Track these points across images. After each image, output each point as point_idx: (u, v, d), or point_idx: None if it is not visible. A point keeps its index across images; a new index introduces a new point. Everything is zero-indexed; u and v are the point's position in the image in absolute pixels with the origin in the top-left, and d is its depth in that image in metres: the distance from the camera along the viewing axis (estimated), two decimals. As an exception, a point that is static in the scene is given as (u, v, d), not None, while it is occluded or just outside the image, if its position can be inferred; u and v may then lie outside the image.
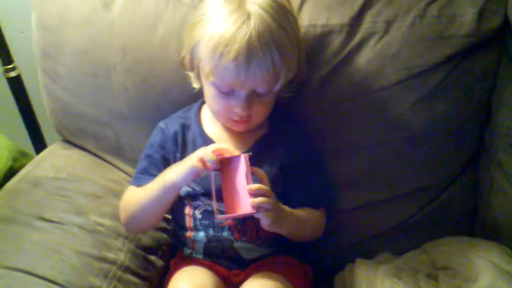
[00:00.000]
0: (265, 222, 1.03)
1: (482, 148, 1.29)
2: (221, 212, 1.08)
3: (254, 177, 1.03)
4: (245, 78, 1.05)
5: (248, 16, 1.04)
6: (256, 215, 1.02)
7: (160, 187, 1.10)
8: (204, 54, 1.08)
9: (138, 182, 1.19)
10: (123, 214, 1.19)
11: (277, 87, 1.10)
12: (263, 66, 1.05)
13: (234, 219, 1.14)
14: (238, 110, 1.10)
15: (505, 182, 1.20)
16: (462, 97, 1.24)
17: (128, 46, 1.30)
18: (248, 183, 1.01)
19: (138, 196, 1.16)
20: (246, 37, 1.02)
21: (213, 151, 1.05)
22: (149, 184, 1.14)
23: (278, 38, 1.05)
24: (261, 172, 1.06)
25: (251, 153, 1.03)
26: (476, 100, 1.25)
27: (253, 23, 1.03)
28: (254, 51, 1.03)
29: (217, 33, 1.05)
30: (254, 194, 1.00)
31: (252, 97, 1.09)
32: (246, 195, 1.00)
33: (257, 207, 1.00)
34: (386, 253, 1.28)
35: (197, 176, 1.07)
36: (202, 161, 1.04)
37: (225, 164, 1.05)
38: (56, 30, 1.34)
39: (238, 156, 1.03)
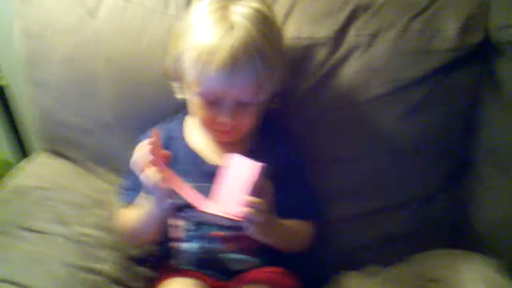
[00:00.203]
0: (251, 229, 1.03)
1: (466, 161, 1.30)
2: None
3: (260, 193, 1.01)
4: (229, 87, 1.06)
5: (232, 26, 1.05)
6: (242, 225, 1.02)
7: (146, 215, 1.13)
8: (188, 64, 1.09)
9: (126, 199, 1.21)
10: (121, 235, 1.22)
11: (261, 97, 1.11)
12: (247, 75, 1.05)
13: (223, 228, 1.15)
14: (222, 119, 1.10)
15: (487, 197, 1.22)
16: (446, 111, 1.26)
17: (113, 54, 1.29)
18: (250, 193, 0.99)
19: (129, 220, 1.17)
20: (230, 46, 1.03)
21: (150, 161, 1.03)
22: (136, 209, 1.16)
23: (261, 47, 1.06)
24: (270, 190, 1.05)
25: (265, 165, 1.01)
26: (459, 113, 1.27)
27: (236, 33, 1.04)
28: (237, 60, 1.03)
29: (201, 43, 1.05)
30: (250, 206, 0.99)
31: (237, 106, 1.10)
32: (242, 201, 0.99)
33: (245, 218, 1.00)
34: (374, 265, 1.28)
35: (169, 196, 1.05)
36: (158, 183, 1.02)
37: (235, 163, 1.02)
38: (42, 38, 1.33)
39: (255, 164, 1.00)
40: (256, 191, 1.00)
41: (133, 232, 1.18)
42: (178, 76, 1.15)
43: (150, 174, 1.01)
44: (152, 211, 1.10)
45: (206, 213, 1.03)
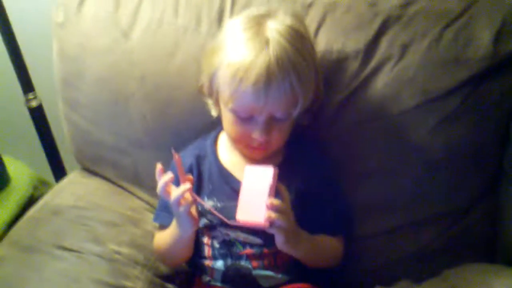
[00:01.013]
0: (279, 240, 1.04)
1: (501, 172, 1.27)
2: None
3: (277, 196, 1.03)
4: (264, 103, 1.06)
5: (267, 42, 1.05)
6: (269, 231, 1.02)
7: (174, 238, 1.15)
8: (223, 80, 1.09)
9: (160, 220, 1.23)
10: (156, 254, 1.26)
11: (295, 112, 1.11)
12: (282, 91, 1.05)
13: (251, 246, 1.14)
14: (256, 136, 1.10)
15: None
16: (480, 121, 1.23)
17: (147, 74, 1.31)
18: (270, 197, 1.01)
19: (161, 241, 1.21)
20: (265, 62, 1.03)
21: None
22: (166, 231, 1.18)
23: (296, 63, 1.06)
24: (285, 191, 1.06)
25: (277, 168, 1.03)
26: (494, 123, 1.24)
27: (271, 49, 1.04)
28: (273, 76, 1.03)
29: (237, 59, 1.06)
30: (273, 208, 1.00)
31: (271, 122, 1.10)
32: (264, 207, 1.00)
33: (271, 222, 1.01)
34: (406, 281, 1.26)
35: (196, 223, 1.10)
36: (186, 211, 1.06)
37: (250, 173, 1.05)
38: (77, 59, 1.36)
39: (267, 168, 1.03)
40: (274, 194, 1.02)
41: (165, 254, 1.21)
42: (212, 93, 1.16)
43: (176, 198, 1.04)
44: (179, 235, 1.13)
45: (234, 228, 1.06)
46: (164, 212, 1.21)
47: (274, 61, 1.03)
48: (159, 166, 1.06)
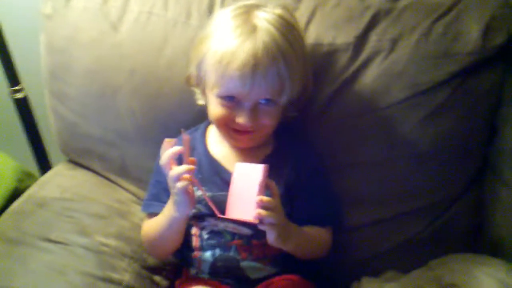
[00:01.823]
0: (270, 236, 1.03)
1: (487, 165, 1.28)
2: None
3: (266, 192, 1.03)
4: (250, 88, 1.06)
5: (254, 29, 1.06)
6: (260, 227, 1.02)
7: (167, 222, 1.13)
8: (210, 67, 1.09)
9: (149, 209, 1.22)
10: (145, 244, 1.24)
11: (282, 99, 1.11)
12: (269, 76, 1.05)
13: (240, 236, 1.14)
14: (241, 120, 1.09)
15: (508, 199, 1.20)
16: (467, 114, 1.24)
17: (136, 66, 1.30)
18: (259, 194, 1.00)
19: (152, 228, 1.18)
20: (252, 48, 1.04)
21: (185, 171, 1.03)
22: (158, 217, 1.16)
23: (284, 51, 1.06)
24: (275, 187, 1.05)
25: (268, 165, 1.02)
26: (481, 117, 1.25)
27: (259, 35, 1.05)
28: (259, 61, 1.03)
29: (223, 45, 1.06)
30: (263, 206, 0.99)
31: (256, 108, 1.09)
32: (254, 204, 0.99)
33: (261, 219, 1.00)
34: (393, 271, 1.27)
35: (193, 204, 1.07)
36: (185, 188, 1.03)
37: (240, 170, 1.04)
38: (65, 51, 1.35)
39: (257, 165, 1.02)
40: (264, 191, 1.00)
41: (156, 241, 1.18)
42: (199, 81, 1.15)
43: (177, 174, 1.02)
44: (173, 217, 1.10)
45: (224, 219, 1.04)
46: (155, 201, 1.20)
47: (262, 47, 1.04)
48: (167, 140, 1.04)
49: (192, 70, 1.16)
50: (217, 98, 1.10)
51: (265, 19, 1.07)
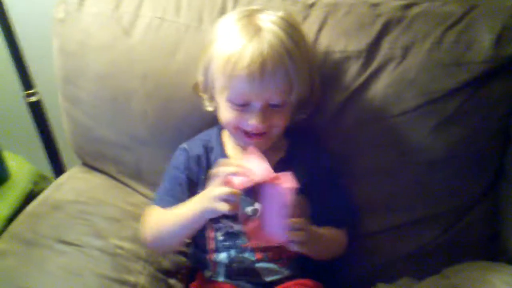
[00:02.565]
0: (299, 248, 1.03)
1: (502, 172, 1.29)
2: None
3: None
4: (259, 88, 1.06)
5: (259, 29, 1.07)
6: (291, 248, 1.02)
7: (189, 217, 1.11)
8: (217, 70, 1.10)
9: (163, 204, 1.20)
10: (149, 233, 1.20)
11: (290, 99, 1.11)
12: (277, 76, 1.06)
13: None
14: (253, 122, 1.10)
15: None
16: (481, 122, 1.24)
17: (148, 71, 1.31)
18: (289, 215, 0.99)
19: (166, 219, 1.16)
20: (258, 46, 1.05)
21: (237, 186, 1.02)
22: (178, 209, 1.14)
23: (290, 49, 1.07)
24: (305, 205, 1.07)
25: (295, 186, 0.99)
26: (494, 125, 1.26)
27: (265, 36, 1.06)
28: (267, 60, 1.04)
29: (229, 47, 1.07)
30: (293, 228, 1.00)
31: (267, 109, 1.10)
32: (282, 224, 0.99)
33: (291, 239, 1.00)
34: (407, 278, 1.27)
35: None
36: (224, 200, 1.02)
37: (268, 190, 1.02)
38: (77, 56, 1.35)
39: (287, 187, 0.99)
40: (293, 210, 0.99)
41: (167, 234, 1.16)
42: (207, 87, 1.17)
43: (226, 196, 1.01)
44: (202, 214, 1.08)
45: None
46: (169, 197, 1.20)
47: (268, 47, 1.05)
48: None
49: (199, 77, 1.17)
50: (227, 101, 1.11)
51: (269, 21, 1.09)
